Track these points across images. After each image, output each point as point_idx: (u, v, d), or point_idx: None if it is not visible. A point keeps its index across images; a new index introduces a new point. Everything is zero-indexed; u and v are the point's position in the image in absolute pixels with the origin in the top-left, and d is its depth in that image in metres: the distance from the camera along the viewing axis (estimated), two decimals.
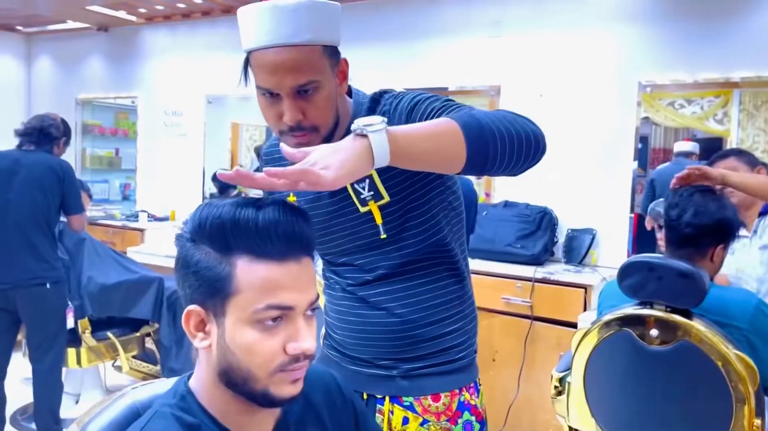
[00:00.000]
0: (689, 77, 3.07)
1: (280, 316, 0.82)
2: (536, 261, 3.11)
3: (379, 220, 1.19)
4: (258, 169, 1.24)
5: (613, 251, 3.22)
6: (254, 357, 0.81)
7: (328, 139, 1.14)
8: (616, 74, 3.24)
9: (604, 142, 3.28)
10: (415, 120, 1.14)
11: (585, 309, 2.78)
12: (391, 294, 1.24)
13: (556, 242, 3.29)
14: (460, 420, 1.25)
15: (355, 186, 1.19)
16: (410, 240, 1.21)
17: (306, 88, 1.08)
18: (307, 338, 0.83)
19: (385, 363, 1.25)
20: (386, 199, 1.18)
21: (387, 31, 3.92)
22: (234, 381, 0.83)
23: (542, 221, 3.22)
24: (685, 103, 3.13)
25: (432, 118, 1.10)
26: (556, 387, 1.94)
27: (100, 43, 5.44)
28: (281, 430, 0.92)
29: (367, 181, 1.18)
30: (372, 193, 1.19)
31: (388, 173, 1.16)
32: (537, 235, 3.19)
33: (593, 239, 3.21)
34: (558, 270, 3.00)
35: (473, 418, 1.27)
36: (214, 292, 0.82)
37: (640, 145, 3.20)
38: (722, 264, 1.79)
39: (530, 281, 2.91)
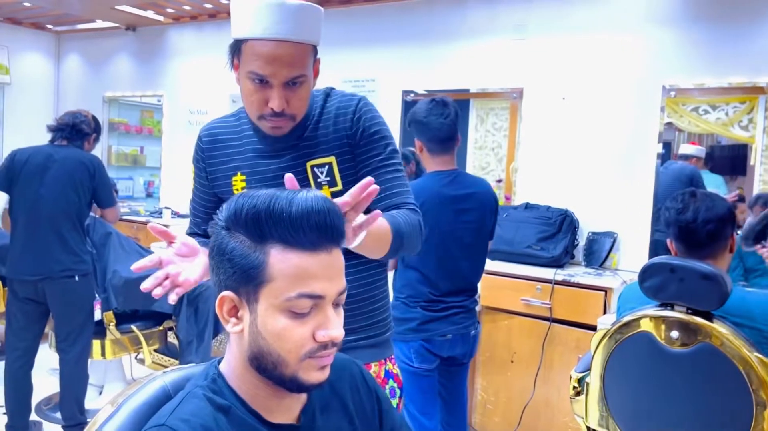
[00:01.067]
0: (714, 81, 3.05)
1: (311, 305, 0.84)
2: (556, 263, 3.11)
3: None
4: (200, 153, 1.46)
5: (633, 255, 3.21)
6: (285, 343, 0.84)
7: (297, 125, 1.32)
8: (640, 78, 3.23)
9: (626, 146, 3.27)
10: (361, 138, 1.33)
11: (605, 313, 2.77)
12: None
13: (577, 245, 3.29)
14: (387, 387, 1.42)
15: (315, 169, 1.33)
16: None
17: (295, 81, 1.23)
18: (336, 326, 0.86)
19: None
20: (339, 186, 1.33)
21: (410, 32, 3.95)
22: (264, 365, 0.86)
23: (563, 223, 3.22)
24: (710, 108, 3.11)
25: (367, 166, 1.33)
26: (574, 387, 1.95)
27: (128, 42, 5.54)
28: (307, 415, 0.95)
29: (327, 167, 1.33)
30: (329, 178, 1.33)
31: (346, 164, 1.33)
32: (557, 238, 3.19)
33: (614, 243, 3.20)
34: (578, 273, 3.00)
35: (396, 385, 1.44)
36: (248, 279, 0.84)
37: (662, 151, 3.19)
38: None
39: (550, 283, 2.91)
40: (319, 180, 1.33)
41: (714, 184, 3.11)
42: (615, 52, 3.30)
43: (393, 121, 3.99)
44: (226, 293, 0.87)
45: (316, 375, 0.87)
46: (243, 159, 1.39)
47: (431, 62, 3.88)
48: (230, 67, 1.30)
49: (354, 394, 1.03)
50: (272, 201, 0.84)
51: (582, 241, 3.30)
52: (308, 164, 1.34)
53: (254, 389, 0.90)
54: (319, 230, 0.84)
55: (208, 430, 0.83)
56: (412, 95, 3.94)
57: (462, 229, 2.27)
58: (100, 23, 5.32)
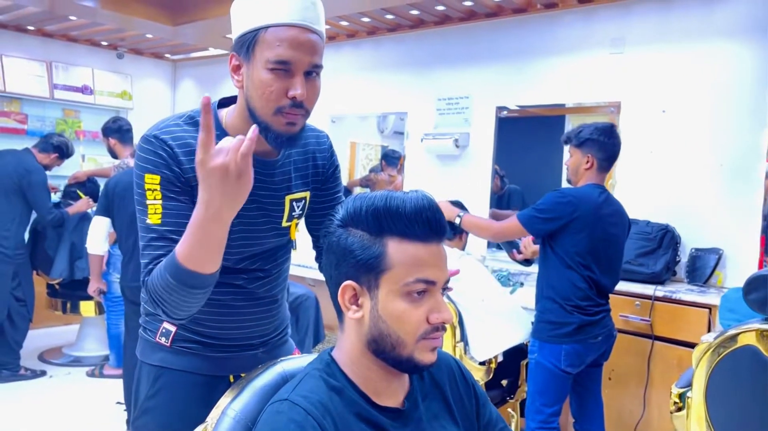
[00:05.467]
0: None
1: (425, 290, 0.96)
2: (656, 279, 3.03)
3: (293, 236, 1.41)
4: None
5: (741, 273, 3.06)
6: (404, 325, 0.95)
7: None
8: (747, 89, 3.11)
9: (732, 161, 3.14)
10: (332, 175, 1.45)
11: (709, 331, 2.68)
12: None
13: (679, 261, 3.19)
14: None
15: (294, 203, 1.36)
16: None
17: (315, 71, 1.20)
18: (445, 309, 0.98)
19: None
20: (300, 219, 1.42)
21: (504, 49, 3.99)
22: (383, 347, 0.97)
23: (663, 239, 3.13)
24: None
25: (333, 200, 1.46)
26: (675, 402, 1.92)
27: None
28: (411, 401, 1.04)
29: (302, 201, 1.38)
30: (301, 212, 1.39)
31: (311, 198, 1.41)
32: (658, 253, 3.10)
33: (719, 259, 3.07)
34: (680, 290, 2.91)
35: None
36: (369, 269, 0.96)
37: None
38: None
39: (650, 299, 2.84)
40: (293, 213, 1.36)
41: None
42: (719, 61, 3.19)
43: (486, 137, 4.04)
44: (348, 282, 0.98)
45: (428, 356, 0.98)
46: None
47: (525, 78, 3.90)
48: (245, 59, 1.18)
49: (452, 386, 1.11)
50: (388, 200, 0.97)
51: (684, 257, 3.20)
52: (288, 198, 1.34)
53: (366, 372, 1.00)
54: (429, 224, 0.97)
55: (324, 406, 0.93)
56: (505, 111, 3.98)
57: (610, 241, 2.48)
58: (212, 51, 5.71)
